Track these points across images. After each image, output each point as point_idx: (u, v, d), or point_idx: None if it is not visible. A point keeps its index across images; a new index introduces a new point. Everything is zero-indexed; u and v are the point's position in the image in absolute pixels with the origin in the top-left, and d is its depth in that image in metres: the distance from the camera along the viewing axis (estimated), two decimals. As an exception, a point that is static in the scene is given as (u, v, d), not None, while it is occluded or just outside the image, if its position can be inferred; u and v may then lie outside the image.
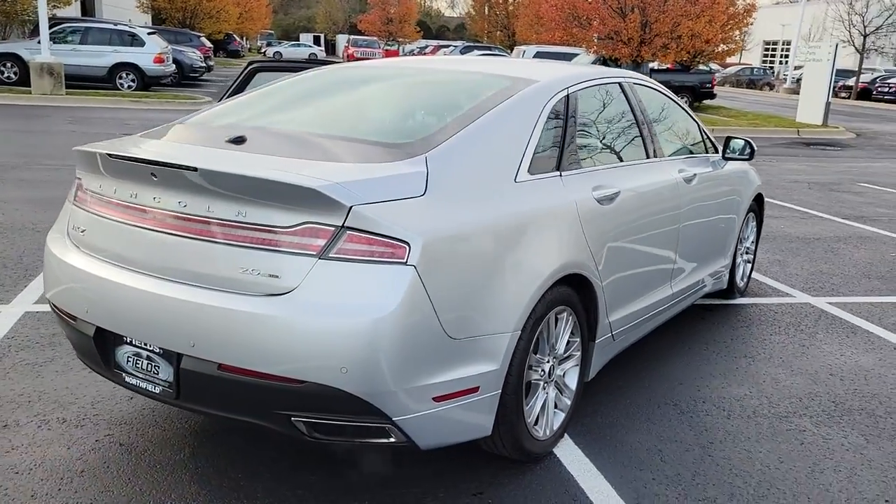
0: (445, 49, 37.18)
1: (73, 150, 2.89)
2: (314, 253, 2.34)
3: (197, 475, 2.87)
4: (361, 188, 2.38)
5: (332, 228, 2.34)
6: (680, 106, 4.44)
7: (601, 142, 3.56)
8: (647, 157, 3.84)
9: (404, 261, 2.34)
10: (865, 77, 37.16)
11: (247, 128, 3.06)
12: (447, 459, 3.00)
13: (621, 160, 3.65)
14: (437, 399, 2.49)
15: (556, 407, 3.14)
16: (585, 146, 3.38)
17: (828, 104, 20.36)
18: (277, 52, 56.76)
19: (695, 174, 4.20)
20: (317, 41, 67.38)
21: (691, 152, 4.41)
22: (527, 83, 3.22)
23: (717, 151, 4.72)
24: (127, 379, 2.69)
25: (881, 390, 4.01)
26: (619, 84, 3.81)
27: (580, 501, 2.83)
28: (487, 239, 2.64)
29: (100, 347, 2.72)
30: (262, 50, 61.56)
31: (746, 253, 5.40)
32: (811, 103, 20.60)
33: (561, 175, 3.13)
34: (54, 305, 2.92)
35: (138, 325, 2.56)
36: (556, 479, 2.97)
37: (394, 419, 2.40)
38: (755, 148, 4.69)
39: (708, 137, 4.67)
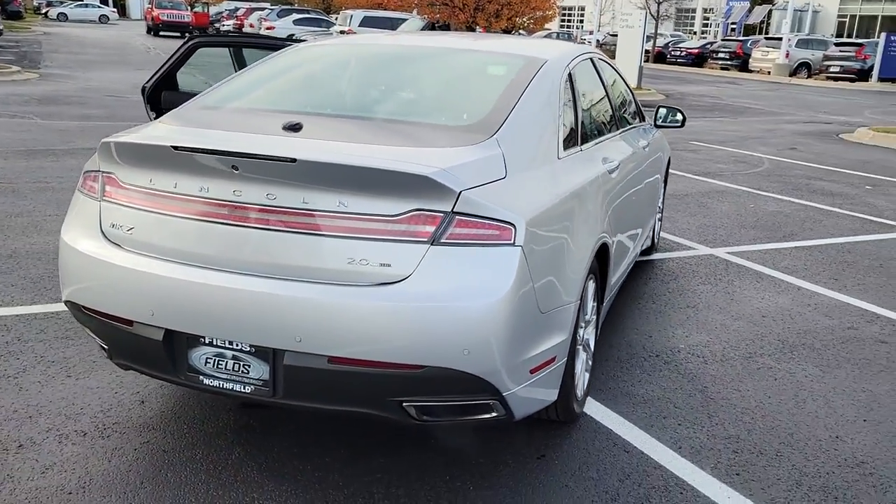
0: (260, 12, 35.79)
1: (103, 141, 2.68)
2: (425, 239, 2.37)
3: (264, 469, 2.82)
4: (464, 173, 2.43)
5: (441, 214, 2.38)
6: (622, 77, 4.75)
7: (592, 116, 3.77)
8: (619, 128, 4.11)
9: (512, 242, 2.43)
10: (658, 42, 40.19)
11: (289, 112, 2.97)
12: (494, 432, 3.13)
13: (608, 132, 3.89)
14: (532, 371, 2.62)
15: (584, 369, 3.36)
16: (586, 121, 3.58)
17: (640, 68, 21.93)
18: (62, 13, 52.11)
19: (648, 142, 4.54)
20: (105, 1, 62.40)
21: (635, 121, 4.74)
22: (541, 61, 3.34)
23: (644, 119, 5.09)
24: (205, 381, 2.58)
25: (808, 327, 4.58)
26: (591, 59, 4.02)
27: (630, 451, 3.07)
28: (559, 215, 2.77)
29: (169, 351, 2.58)
30: (43, 10, 56.22)
31: (659, 211, 5.88)
32: (626, 68, 22.07)
33: (581, 150, 3.31)
34: (90, 310, 2.71)
35: (223, 325, 2.46)
36: (599, 433, 3.20)
37: (503, 394, 2.50)
38: (686, 116, 5.10)
39: (639, 106, 5.03)
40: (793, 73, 30.25)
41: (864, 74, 27.79)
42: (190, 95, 4.58)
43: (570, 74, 3.46)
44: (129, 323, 2.62)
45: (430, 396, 2.47)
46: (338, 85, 3.42)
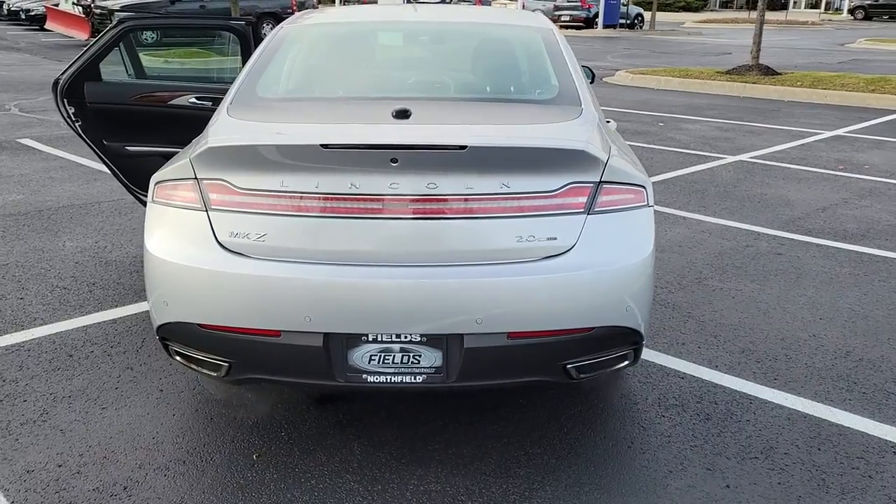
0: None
1: (210, 146, 2.50)
2: (582, 210, 2.55)
3: (400, 459, 2.86)
4: (597, 144, 2.62)
5: (591, 185, 2.56)
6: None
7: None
8: None
9: (646, 203, 2.67)
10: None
11: (375, 99, 2.92)
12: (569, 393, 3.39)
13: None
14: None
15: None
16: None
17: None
18: None
19: None
20: None
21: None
22: (547, 30, 3.55)
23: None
24: (370, 379, 2.56)
25: (718, 250, 5.29)
26: None
27: (683, 377, 3.48)
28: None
29: (328, 355, 2.52)
30: None
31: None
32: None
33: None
34: (215, 327, 2.55)
35: (393, 320, 2.46)
36: (652, 369, 3.57)
37: (642, 342, 2.77)
38: (594, 73, 5.54)
39: None
40: (528, 23, 32.47)
41: (589, 22, 30.58)
42: (121, 86, 4.20)
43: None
44: (276, 333, 2.51)
45: (592, 355, 2.66)
46: (396, 67, 3.38)
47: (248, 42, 4.17)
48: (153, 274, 2.62)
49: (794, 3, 48.56)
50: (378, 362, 2.54)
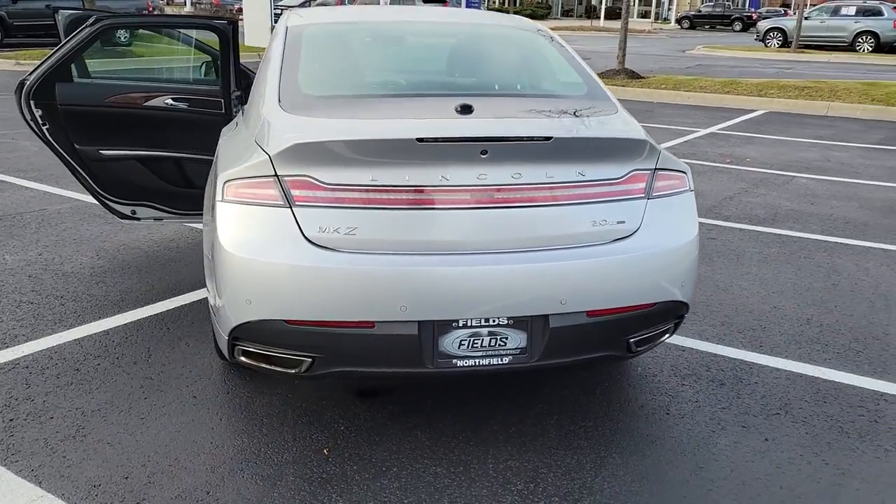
0: None
1: (296, 143, 2.52)
2: (643, 195, 2.78)
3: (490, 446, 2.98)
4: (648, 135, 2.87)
5: (649, 172, 2.80)
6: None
7: None
8: None
9: (689, 188, 2.94)
10: None
11: (427, 95, 3.02)
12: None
13: None
14: None
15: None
16: None
17: (272, 27, 22.02)
18: None
19: None
20: None
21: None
22: (547, 32, 3.78)
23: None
24: (459, 364, 2.66)
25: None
26: None
27: (685, 350, 3.80)
28: None
29: (421, 343, 2.60)
30: None
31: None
32: (256, 29, 22.07)
33: None
34: (304, 322, 2.57)
35: (483, 305, 2.58)
36: (680, 350, 3.85)
37: (686, 314, 3.03)
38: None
39: None
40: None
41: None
42: (95, 87, 4.04)
43: None
44: (370, 325, 2.56)
45: (650, 329, 2.89)
46: (428, 64, 3.47)
47: (229, 41, 4.11)
48: (232, 273, 2.59)
49: (626, 11, 51.63)
50: (467, 347, 2.64)
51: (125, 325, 3.91)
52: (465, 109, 2.80)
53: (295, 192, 2.56)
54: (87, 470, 2.73)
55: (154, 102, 4.12)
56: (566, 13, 65.99)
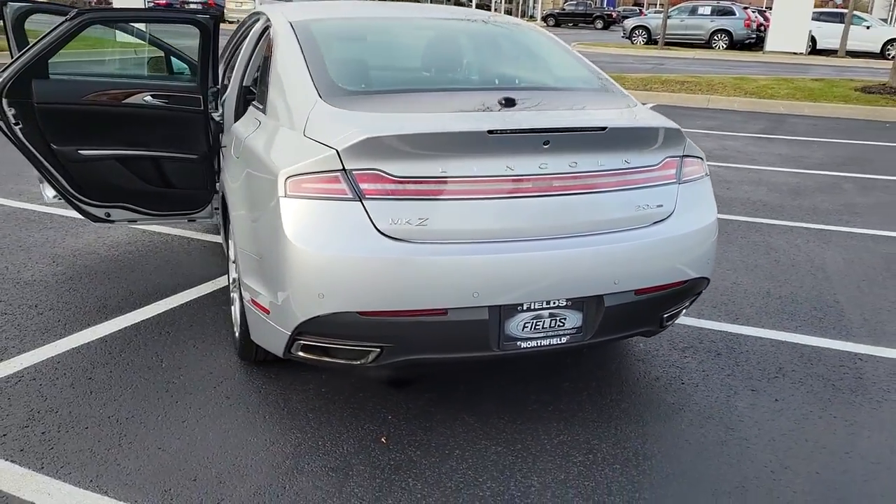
0: None
1: (368, 137, 2.57)
2: (674, 181, 3.00)
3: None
4: None
5: (678, 158, 3.03)
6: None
7: None
8: None
9: (706, 172, 3.19)
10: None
11: (460, 90, 3.11)
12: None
13: None
14: None
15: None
16: None
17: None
18: None
19: None
20: None
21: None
22: (543, 28, 3.96)
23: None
24: (522, 346, 2.78)
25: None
26: None
27: (674, 326, 4.08)
28: None
29: (490, 327, 2.71)
30: None
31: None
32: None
33: None
34: (378, 313, 2.63)
35: (546, 289, 2.72)
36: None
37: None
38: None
39: None
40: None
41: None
42: (73, 84, 3.89)
43: None
44: (443, 312, 2.65)
45: (679, 304, 3.12)
46: (447, 61, 3.56)
47: (210, 36, 4.03)
48: (303, 268, 2.60)
49: (495, 9, 52.88)
50: (531, 329, 2.77)
51: (120, 331, 3.77)
52: (509, 102, 2.92)
53: (364, 186, 2.60)
54: (149, 476, 2.66)
55: (133, 99, 3.97)
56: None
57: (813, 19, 24.90)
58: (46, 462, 2.72)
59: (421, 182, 2.62)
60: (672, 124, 2.97)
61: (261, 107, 3.33)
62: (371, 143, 2.57)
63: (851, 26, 24.97)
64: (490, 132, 2.61)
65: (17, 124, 3.83)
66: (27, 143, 3.89)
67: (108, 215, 4.25)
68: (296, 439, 2.91)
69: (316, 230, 2.60)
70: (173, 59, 5.09)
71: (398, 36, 3.77)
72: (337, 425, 3.01)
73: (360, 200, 2.60)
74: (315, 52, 3.25)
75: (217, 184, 4.13)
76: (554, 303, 2.77)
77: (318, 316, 2.64)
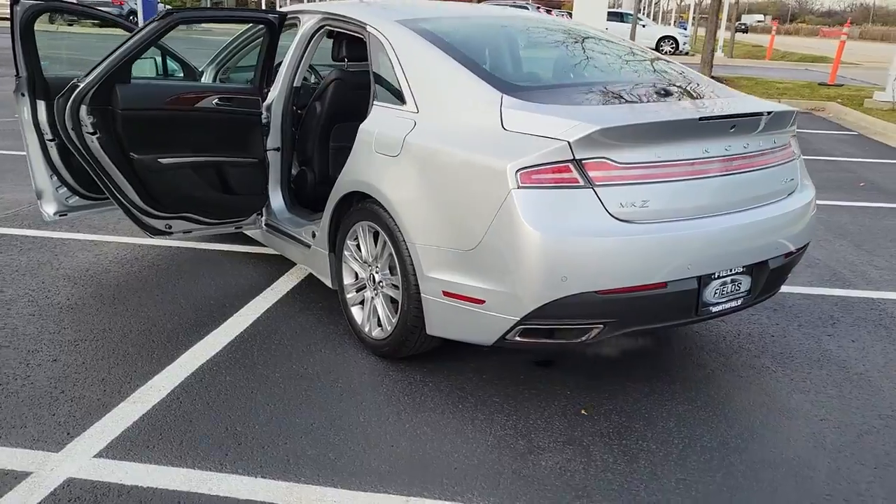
0: None
1: (603, 128, 2.77)
2: (796, 156, 3.46)
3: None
4: None
5: (794, 137, 3.49)
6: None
7: None
8: None
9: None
10: None
11: (602, 83, 3.36)
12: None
13: None
14: None
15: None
16: None
17: None
18: None
19: None
20: None
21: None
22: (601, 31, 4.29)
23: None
24: (712, 310, 3.10)
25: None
26: None
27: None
28: None
29: (695, 296, 3.00)
30: None
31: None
32: None
33: None
34: (613, 291, 2.84)
35: (732, 257, 3.06)
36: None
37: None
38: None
39: None
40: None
41: (128, 17, 29.14)
42: (155, 88, 3.74)
43: None
44: (663, 285, 2.91)
45: (793, 269, 3.57)
46: (569, 57, 3.74)
47: (276, 35, 3.96)
48: (547, 254, 2.74)
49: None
50: (719, 295, 3.10)
51: (225, 349, 3.62)
52: (666, 93, 3.23)
53: (592, 173, 2.80)
54: (405, 471, 2.69)
55: (203, 104, 3.80)
56: (216, 7, 64.36)
57: (599, 19, 27.43)
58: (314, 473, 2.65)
59: (641, 167, 2.85)
60: (791, 108, 3.41)
61: (397, 105, 3.36)
62: (601, 134, 2.76)
63: (628, 25, 27.74)
64: (701, 119, 2.90)
65: (93, 133, 3.54)
66: (103, 154, 3.60)
67: (169, 227, 4.01)
68: (509, 423, 3.03)
69: (554, 217, 2.76)
70: (169, 59, 4.87)
71: (494, 34, 3.92)
72: (531, 406, 3.16)
73: (592, 187, 2.79)
74: (452, 50, 3.35)
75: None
76: (734, 270, 3.11)
77: (558, 299, 2.79)
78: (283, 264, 4.66)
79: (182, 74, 4.98)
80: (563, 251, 2.75)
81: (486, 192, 2.86)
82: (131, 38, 3.50)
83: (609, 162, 2.80)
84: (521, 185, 2.77)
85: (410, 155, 3.20)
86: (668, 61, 3.96)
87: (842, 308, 4.32)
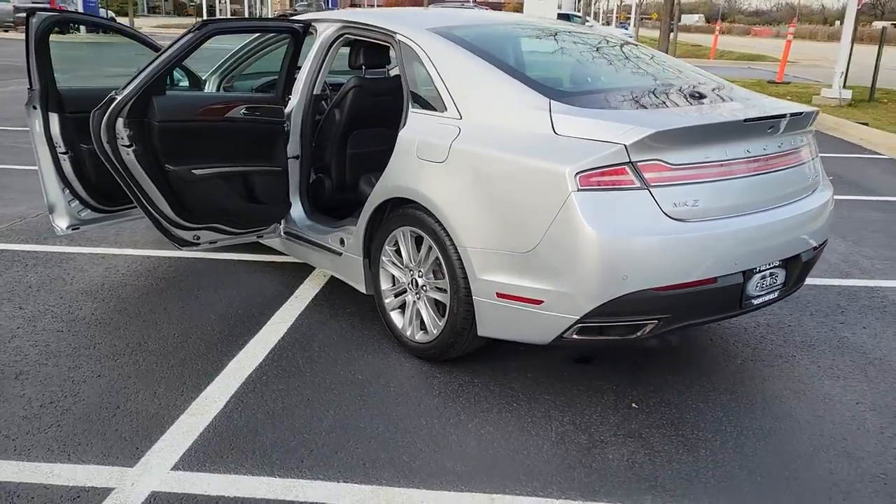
0: None
1: (657, 131, 2.88)
2: (816, 155, 3.64)
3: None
4: None
5: (812, 136, 3.66)
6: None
7: None
8: None
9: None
10: None
11: (633, 87, 3.48)
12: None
13: None
14: None
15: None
16: None
17: None
18: None
19: None
20: None
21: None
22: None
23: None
24: (754, 303, 3.24)
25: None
26: None
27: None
28: None
29: (740, 290, 3.14)
30: None
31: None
32: None
33: None
34: (667, 287, 2.96)
35: (774, 251, 3.21)
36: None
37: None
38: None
39: None
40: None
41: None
42: (189, 98, 3.74)
43: None
44: (713, 281, 3.04)
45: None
46: (596, 62, 3.85)
47: (300, 45, 3.98)
48: (608, 254, 2.84)
49: (220, 11, 51.41)
50: (759, 288, 3.25)
51: (266, 360, 3.63)
52: (699, 96, 3.37)
53: (647, 175, 2.91)
54: (485, 470, 2.76)
55: (232, 113, 3.80)
56: (153, 10, 63.32)
57: (547, 21, 27.99)
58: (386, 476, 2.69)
59: (692, 168, 2.98)
60: (813, 108, 3.58)
61: (438, 113, 3.42)
62: (656, 137, 2.88)
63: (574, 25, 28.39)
64: (745, 121, 3.04)
65: (129, 146, 3.51)
66: (137, 166, 3.57)
67: (197, 238, 4.00)
68: (566, 419, 3.12)
69: (614, 218, 2.86)
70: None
71: (523, 40, 4.01)
72: (582, 402, 3.26)
73: (647, 188, 2.90)
74: (489, 57, 3.44)
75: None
76: (771, 264, 3.26)
77: (618, 296, 2.90)
78: (296, 272, 4.67)
79: (187, 83, 4.94)
80: (623, 250, 2.85)
81: (543, 196, 2.95)
82: (167, 49, 3.49)
83: (663, 163, 2.92)
84: (580, 187, 2.86)
85: (458, 161, 3.26)
86: (683, 65, 4.10)
87: (846, 297, 4.53)
